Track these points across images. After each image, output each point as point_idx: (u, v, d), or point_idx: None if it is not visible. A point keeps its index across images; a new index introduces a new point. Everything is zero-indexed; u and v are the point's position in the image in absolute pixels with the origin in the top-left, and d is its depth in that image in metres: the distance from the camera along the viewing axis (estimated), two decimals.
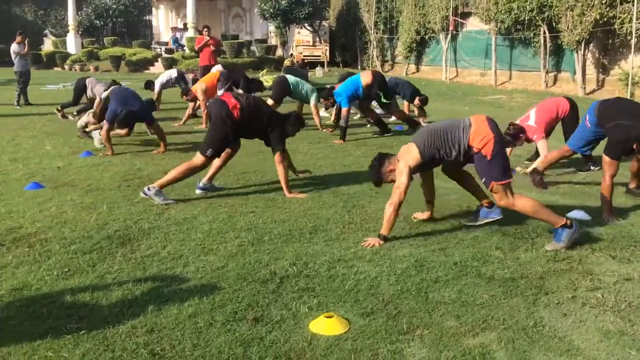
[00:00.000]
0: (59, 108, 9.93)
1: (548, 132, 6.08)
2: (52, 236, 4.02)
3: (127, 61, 24.04)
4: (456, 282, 3.25)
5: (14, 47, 12.57)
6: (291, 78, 8.92)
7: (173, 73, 11.02)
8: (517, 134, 5.69)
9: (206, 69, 12.68)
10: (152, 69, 24.33)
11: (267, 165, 6.08)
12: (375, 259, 3.59)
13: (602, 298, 3.05)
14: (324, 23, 27.33)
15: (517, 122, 5.96)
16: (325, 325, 2.71)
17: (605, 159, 4.48)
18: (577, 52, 13.94)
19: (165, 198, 4.86)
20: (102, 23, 33.18)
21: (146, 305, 2.96)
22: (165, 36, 31.46)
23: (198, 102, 9.34)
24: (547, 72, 15.47)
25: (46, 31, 31.62)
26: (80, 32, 29.16)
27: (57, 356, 2.49)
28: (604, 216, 4.39)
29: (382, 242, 3.83)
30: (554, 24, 14.53)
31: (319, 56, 25.66)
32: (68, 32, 28.62)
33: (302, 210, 4.65)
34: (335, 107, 8.81)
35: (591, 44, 14.00)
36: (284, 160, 5.08)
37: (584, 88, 13.92)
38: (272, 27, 31.72)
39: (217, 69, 10.81)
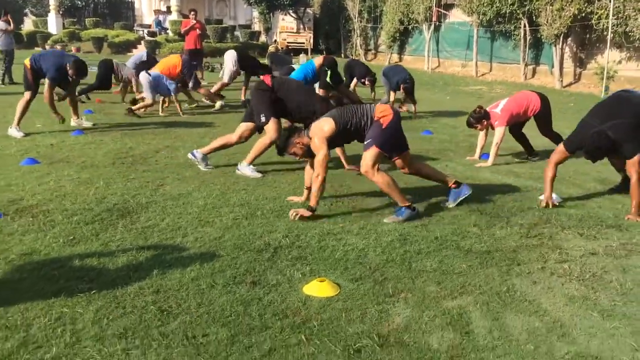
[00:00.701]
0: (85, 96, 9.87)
1: (510, 123, 6.19)
2: (53, 208, 4.21)
3: (109, 43, 23.90)
4: (437, 254, 3.52)
5: (1, 24, 12.50)
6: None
7: (143, 55, 10.88)
8: (480, 119, 6.03)
9: (192, 52, 12.79)
10: (134, 51, 24.21)
11: None
12: (362, 233, 3.86)
13: (569, 269, 3.35)
14: (309, 10, 27.46)
15: (487, 108, 6.24)
16: (318, 288, 2.96)
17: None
18: (555, 45, 14.32)
19: (253, 170, 5.33)
20: (83, 3, 32.85)
21: (151, 269, 3.18)
22: (148, 18, 31.24)
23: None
24: (526, 65, 15.86)
25: (26, 10, 31.17)
26: (61, 12, 28.83)
27: (72, 312, 2.70)
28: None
29: (310, 213, 4.08)
30: (534, 17, 14.89)
31: (303, 43, 25.77)
32: (49, 12, 28.29)
33: (291, 189, 4.89)
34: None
35: (569, 38, 14.39)
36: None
37: (561, 81, 14.33)
38: (256, 13, 31.75)
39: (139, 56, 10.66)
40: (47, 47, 24.98)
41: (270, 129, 5.27)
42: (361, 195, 4.72)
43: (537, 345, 2.53)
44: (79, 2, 32.62)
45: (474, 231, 3.95)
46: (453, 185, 4.52)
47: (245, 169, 5.36)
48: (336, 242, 3.67)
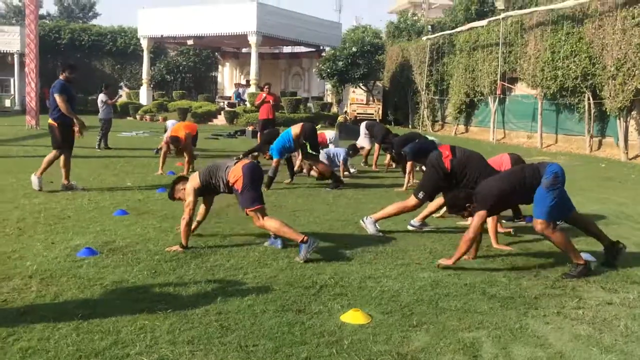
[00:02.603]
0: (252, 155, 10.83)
1: None
2: (139, 249, 5.00)
3: (193, 113, 25.90)
4: (463, 297, 3.97)
5: (101, 96, 14.17)
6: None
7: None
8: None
9: (265, 122, 13.92)
10: (215, 121, 26.09)
11: (316, 204, 6.97)
12: (399, 278, 4.36)
13: (582, 314, 3.71)
14: (378, 83, 28.70)
15: None
16: (352, 316, 3.50)
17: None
18: (619, 118, 14.43)
19: (377, 230, 5.74)
20: (172, 78, 35.77)
21: (215, 297, 3.83)
22: (229, 91, 33.54)
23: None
24: (591, 137, 15.94)
25: (121, 84, 34.31)
26: (152, 86, 31.54)
27: (152, 324, 3.37)
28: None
29: (181, 249, 4.86)
30: (597, 91, 15.12)
31: (372, 114, 26.85)
32: (141, 85, 31.04)
33: (342, 243, 5.47)
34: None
35: (634, 111, 14.48)
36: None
37: (627, 153, 14.32)
38: (328, 86, 33.44)
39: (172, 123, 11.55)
40: (137, 117, 27.39)
41: (415, 202, 5.61)
42: (404, 248, 5.24)
43: None
44: (168, 77, 35.57)
45: (503, 280, 4.37)
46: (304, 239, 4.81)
47: (370, 225, 5.74)
48: (374, 284, 4.20)
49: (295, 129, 8.70)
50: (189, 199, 5.03)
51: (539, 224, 4.57)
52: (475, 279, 4.39)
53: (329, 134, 11.21)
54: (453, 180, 5.46)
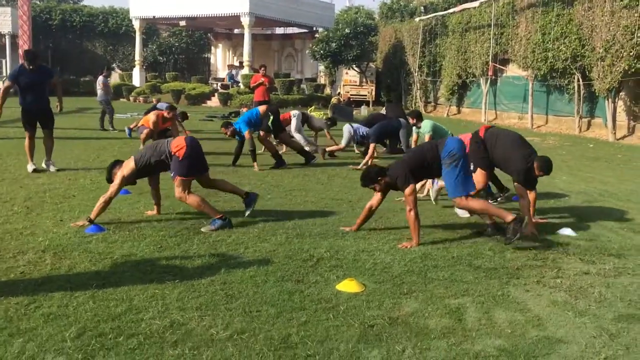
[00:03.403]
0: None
1: None
2: (144, 225, 5.25)
3: (186, 95, 25.97)
4: (450, 268, 4.26)
5: (101, 79, 14.31)
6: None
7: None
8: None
9: (260, 104, 14.10)
10: (209, 103, 26.18)
11: (311, 184, 7.24)
12: (391, 252, 4.64)
13: (560, 283, 4.01)
14: (371, 64, 28.79)
15: None
16: (347, 285, 3.77)
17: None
18: (607, 99, 14.72)
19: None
20: (165, 59, 35.70)
21: (219, 269, 4.09)
22: (222, 72, 33.54)
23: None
24: (580, 118, 16.24)
25: (114, 65, 34.16)
26: (144, 67, 31.47)
27: (162, 293, 3.64)
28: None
29: (87, 222, 5.08)
30: (586, 72, 15.38)
31: (365, 95, 27.02)
32: (134, 66, 30.98)
33: (337, 219, 5.74)
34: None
35: (622, 92, 14.76)
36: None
37: (614, 134, 14.63)
38: (321, 67, 33.48)
39: (161, 106, 11.44)
40: (130, 98, 27.43)
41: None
42: (397, 225, 5.52)
43: (514, 330, 3.24)
44: (161, 58, 35.50)
45: (488, 253, 4.66)
46: (245, 196, 5.66)
47: (460, 211, 5.81)
48: (368, 257, 4.48)
49: (262, 108, 9.32)
50: (116, 183, 5.31)
51: (456, 201, 4.98)
52: (462, 252, 4.67)
53: (294, 112, 11.07)
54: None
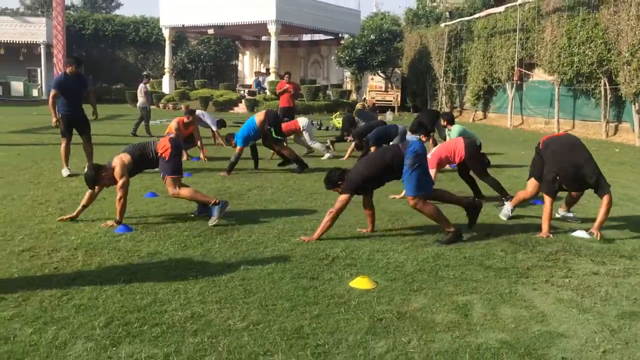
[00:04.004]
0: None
1: (441, 166, 6.92)
2: (169, 226, 5.51)
3: (214, 101, 26.47)
4: (461, 267, 4.40)
5: (141, 86, 14.96)
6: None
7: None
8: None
9: (285, 110, 14.38)
10: (236, 109, 26.63)
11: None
12: (405, 252, 4.80)
13: (569, 282, 4.11)
14: (397, 70, 28.92)
15: None
16: (360, 282, 3.95)
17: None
18: (634, 103, 14.58)
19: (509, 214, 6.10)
20: (193, 67, 36.44)
21: (239, 266, 4.31)
22: (249, 79, 34.05)
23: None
24: (607, 122, 16.09)
25: (144, 73, 34.94)
26: (174, 75, 32.15)
27: (184, 287, 3.87)
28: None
29: (116, 223, 5.33)
30: (613, 76, 15.26)
31: (391, 101, 27.15)
32: (164, 74, 31.67)
33: (355, 220, 5.91)
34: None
35: None
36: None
37: None
38: (347, 73, 33.71)
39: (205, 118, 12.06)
40: (160, 105, 28.05)
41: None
42: (416, 227, 5.67)
43: (518, 324, 3.37)
44: (190, 66, 36.21)
45: (500, 254, 4.78)
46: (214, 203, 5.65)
47: (505, 210, 6.10)
48: (382, 256, 4.65)
49: (259, 116, 9.01)
50: (123, 180, 5.46)
51: (410, 200, 5.15)
52: (474, 252, 4.81)
53: (302, 121, 11.14)
54: None
